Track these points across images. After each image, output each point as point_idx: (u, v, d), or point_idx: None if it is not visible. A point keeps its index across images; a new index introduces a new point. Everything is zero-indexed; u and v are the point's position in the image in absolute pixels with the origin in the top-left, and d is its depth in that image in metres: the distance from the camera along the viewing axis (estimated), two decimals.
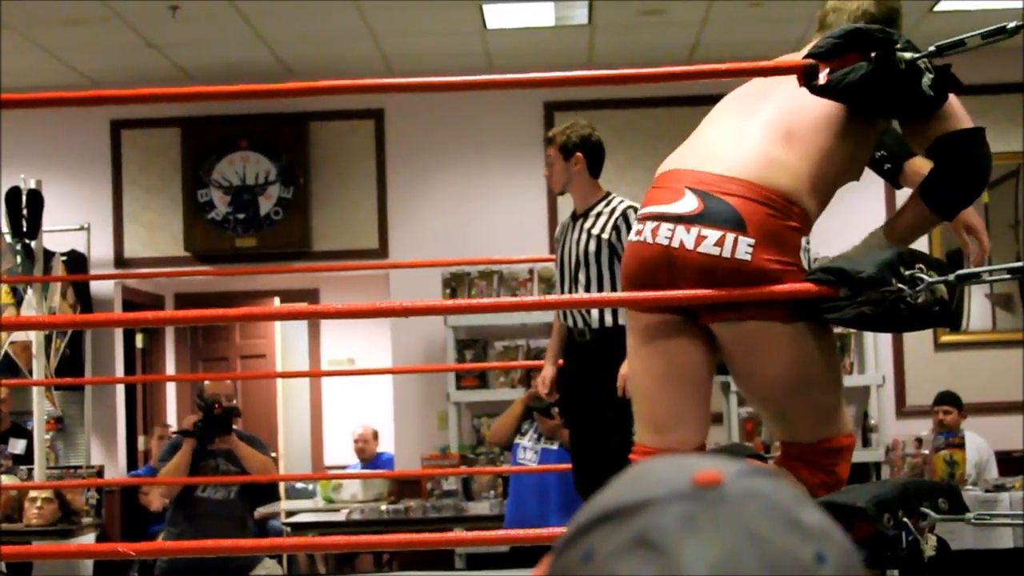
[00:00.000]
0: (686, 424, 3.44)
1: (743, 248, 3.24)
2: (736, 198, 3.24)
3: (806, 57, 3.25)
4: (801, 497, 1.00)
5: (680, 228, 3.27)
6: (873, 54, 3.16)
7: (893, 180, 3.90)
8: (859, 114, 3.35)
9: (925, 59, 3.18)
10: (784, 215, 3.26)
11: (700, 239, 3.25)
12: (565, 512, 7.21)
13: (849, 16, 3.50)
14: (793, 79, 3.26)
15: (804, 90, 3.27)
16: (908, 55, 3.16)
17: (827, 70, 3.21)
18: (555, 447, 7.56)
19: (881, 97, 3.24)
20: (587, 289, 5.71)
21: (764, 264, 3.25)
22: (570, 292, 5.81)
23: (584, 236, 5.90)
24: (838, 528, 0.99)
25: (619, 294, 3.43)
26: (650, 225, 3.34)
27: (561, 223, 6.22)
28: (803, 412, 3.49)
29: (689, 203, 3.26)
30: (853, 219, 9.88)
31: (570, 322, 5.87)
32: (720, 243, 3.24)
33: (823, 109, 3.34)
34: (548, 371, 6.36)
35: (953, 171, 3.41)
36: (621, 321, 5.34)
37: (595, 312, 5.71)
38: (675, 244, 3.27)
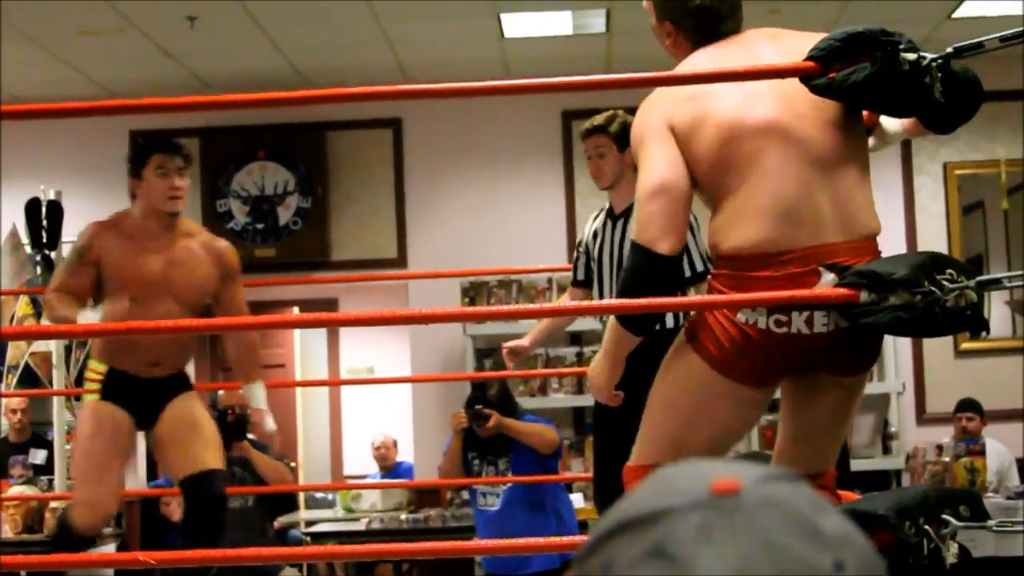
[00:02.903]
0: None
1: None
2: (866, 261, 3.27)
3: (807, 59, 3.25)
4: (821, 503, 0.99)
5: (834, 312, 3.24)
6: (877, 54, 3.16)
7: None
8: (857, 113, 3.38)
9: (933, 61, 3.17)
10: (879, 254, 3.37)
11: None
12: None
13: None
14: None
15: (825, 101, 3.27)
16: (912, 56, 3.15)
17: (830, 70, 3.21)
18: (515, 486, 7.13)
19: (886, 97, 3.23)
20: None
21: None
22: (610, 294, 5.68)
23: (628, 240, 5.79)
24: (859, 534, 0.98)
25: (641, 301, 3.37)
26: (800, 315, 3.25)
27: (593, 223, 6.03)
28: (840, 440, 3.55)
29: (829, 282, 3.22)
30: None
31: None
32: None
33: (848, 122, 3.34)
34: (523, 342, 6.18)
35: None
36: (669, 324, 5.26)
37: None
38: (832, 327, 3.25)
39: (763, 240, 3.25)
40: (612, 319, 3.47)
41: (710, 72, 3.30)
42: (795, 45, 3.38)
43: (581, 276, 5.98)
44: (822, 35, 3.35)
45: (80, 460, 6.00)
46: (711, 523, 0.96)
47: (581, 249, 6.01)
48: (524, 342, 6.20)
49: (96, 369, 6.19)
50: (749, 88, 3.32)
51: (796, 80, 3.27)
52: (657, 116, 3.36)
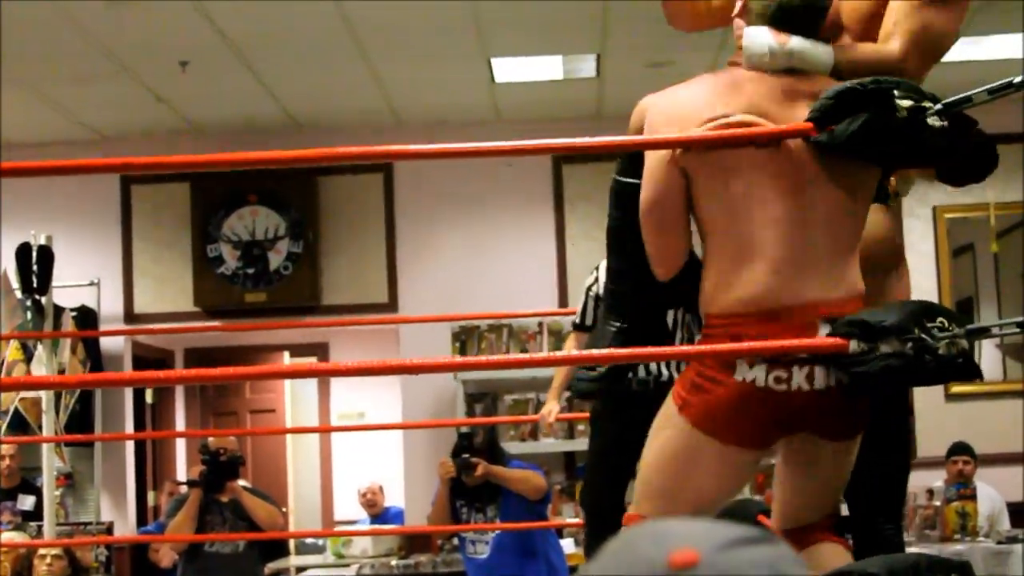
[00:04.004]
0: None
1: None
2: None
3: (808, 121, 3.24)
4: (784, 567, 0.98)
5: (834, 367, 3.21)
6: (871, 106, 3.16)
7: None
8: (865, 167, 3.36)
9: (930, 105, 3.17)
10: None
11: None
12: None
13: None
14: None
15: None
16: (907, 103, 3.15)
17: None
18: (504, 532, 7.11)
19: (886, 145, 3.23)
20: None
21: None
22: None
23: None
24: None
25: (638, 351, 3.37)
26: (801, 371, 3.22)
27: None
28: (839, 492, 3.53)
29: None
30: None
31: (640, 372, 5.50)
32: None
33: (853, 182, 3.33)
34: (554, 406, 6.46)
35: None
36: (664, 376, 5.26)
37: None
38: (832, 383, 3.22)
39: (761, 295, 3.22)
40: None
41: (703, 137, 3.25)
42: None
43: (589, 321, 5.96)
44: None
45: None
46: None
47: (591, 293, 5.99)
48: (555, 407, 6.39)
49: None
50: (768, 158, 3.26)
51: (804, 146, 3.25)
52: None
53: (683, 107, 3.35)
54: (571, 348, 6.32)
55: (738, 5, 3.40)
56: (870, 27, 3.52)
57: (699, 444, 3.28)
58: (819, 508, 3.48)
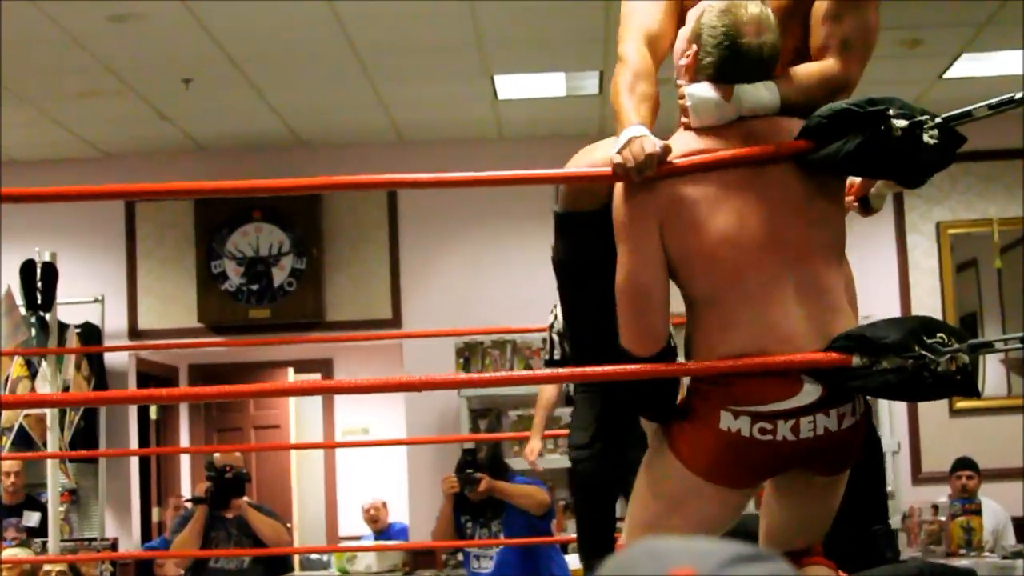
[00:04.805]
0: None
1: (861, 404, 3.28)
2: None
3: (800, 136, 3.24)
4: None
5: (819, 416, 3.21)
6: (867, 127, 3.16)
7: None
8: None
9: (927, 122, 3.17)
10: None
11: (840, 417, 3.23)
12: None
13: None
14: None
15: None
16: (903, 123, 3.16)
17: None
18: (508, 547, 7.13)
19: (881, 163, 3.23)
20: None
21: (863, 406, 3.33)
22: None
23: None
24: None
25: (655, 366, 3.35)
26: (786, 423, 3.20)
27: None
28: (829, 519, 3.52)
29: (813, 391, 3.19)
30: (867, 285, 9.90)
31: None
32: (853, 411, 3.25)
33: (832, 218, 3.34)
34: (536, 444, 6.64)
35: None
36: None
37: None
38: (820, 432, 3.21)
39: (747, 353, 3.19)
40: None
41: (697, 162, 3.22)
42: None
43: (558, 356, 6.19)
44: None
45: None
46: None
47: (554, 330, 6.18)
48: (537, 444, 6.59)
49: None
50: (745, 201, 3.22)
51: (781, 181, 3.24)
52: (644, 204, 3.24)
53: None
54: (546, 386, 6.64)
55: (684, 62, 3.34)
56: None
57: (685, 481, 3.27)
58: (809, 536, 3.49)
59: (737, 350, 3.19)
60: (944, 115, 3.17)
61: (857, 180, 3.75)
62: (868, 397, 3.30)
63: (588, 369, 3.30)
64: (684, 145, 3.28)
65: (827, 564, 3.51)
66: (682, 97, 3.31)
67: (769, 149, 3.22)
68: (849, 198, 3.82)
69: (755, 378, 3.18)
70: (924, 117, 3.17)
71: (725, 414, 3.19)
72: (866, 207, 3.83)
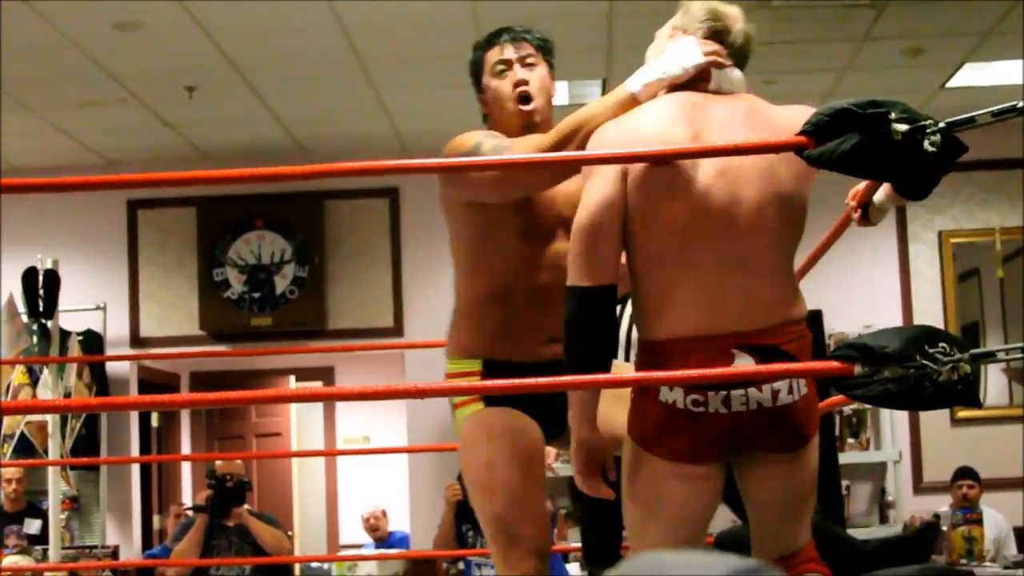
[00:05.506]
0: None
1: (803, 383, 3.31)
2: (783, 343, 3.29)
3: (800, 133, 3.25)
4: None
5: (752, 390, 3.25)
6: (866, 128, 3.17)
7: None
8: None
9: (928, 127, 3.17)
10: (804, 335, 3.37)
11: (775, 393, 3.27)
12: None
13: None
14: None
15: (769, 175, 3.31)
16: (903, 127, 3.16)
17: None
18: None
19: (877, 165, 3.24)
20: None
21: (811, 388, 3.34)
22: None
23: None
24: None
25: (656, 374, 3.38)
26: (716, 395, 3.26)
27: None
28: (806, 515, 3.52)
29: (745, 364, 3.24)
30: (870, 294, 9.91)
31: None
32: (791, 390, 3.29)
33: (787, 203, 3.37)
34: (551, 448, 6.58)
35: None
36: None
37: None
38: (753, 407, 3.26)
39: (679, 332, 3.28)
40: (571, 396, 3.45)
41: (690, 149, 3.27)
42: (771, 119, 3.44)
43: None
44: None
45: (490, 508, 4.09)
46: None
47: None
48: (551, 449, 6.59)
49: (464, 370, 4.44)
50: (702, 182, 3.30)
51: (745, 171, 3.29)
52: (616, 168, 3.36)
53: (633, 134, 3.36)
54: None
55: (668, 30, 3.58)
56: None
57: (645, 461, 3.35)
58: (790, 533, 3.49)
59: (677, 318, 3.28)
60: (947, 120, 3.18)
61: (861, 186, 3.78)
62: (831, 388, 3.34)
63: (588, 377, 3.31)
64: (672, 111, 3.41)
65: (819, 568, 3.51)
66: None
67: (770, 143, 3.26)
68: (852, 203, 3.85)
69: (688, 355, 3.26)
70: (926, 122, 3.18)
71: (663, 386, 3.27)
72: (865, 217, 3.85)
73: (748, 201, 3.30)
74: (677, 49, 3.48)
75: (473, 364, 4.19)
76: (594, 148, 3.39)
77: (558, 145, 3.51)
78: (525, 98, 3.98)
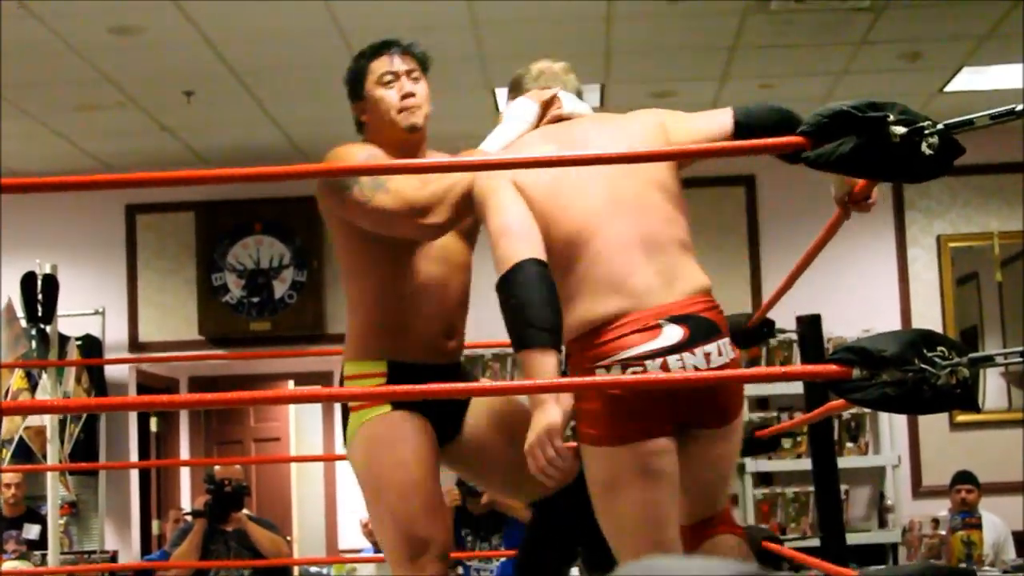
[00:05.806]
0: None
1: (729, 347, 3.47)
2: (702, 311, 3.46)
3: (799, 134, 3.27)
4: None
5: (686, 355, 3.38)
6: (864, 130, 3.18)
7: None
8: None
9: (927, 129, 3.17)
10: (717, 305, 3.54)
11: (707, 356, 3.41)
12: None
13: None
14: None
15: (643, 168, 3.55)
16: (901, 129, 3.16)
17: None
18: (509, 561, 6.93)
19: (875, 166, 3.25)
20: None
21: (737, 355, 3.52)
22: None
23: None
24: None
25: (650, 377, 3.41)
26: (654, 363, 3.37)
27: None
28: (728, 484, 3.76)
29: (675, 332, 3.38)
30: (870, 294, 9.91)
31: None
32: (720, 352, 3.44)
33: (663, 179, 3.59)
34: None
35: None
36: None
37: None
38: (689, 371, 3.37)
39: (602, 314, 3.42)
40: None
41: (687, 149, 3.35)
42: (622, 127, 3.74)
43: None
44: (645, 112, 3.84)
45: (402, 510, 4.09)
46: None
47: None
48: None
49: (368, 372, 4.19)
50: (580, 173, 3.53)
51: (619, 167, 3.53)
52: (498, 174, 3.62)
53: (516, 154, 3.77)
54: None
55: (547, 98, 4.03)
56: None
57: (607, 459, 3.47)
58: (711, 500, 3.68)
59: (600, 307, 3.44)
60: (946, 122, 3.18)
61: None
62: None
63: (591, 378, 3.36)
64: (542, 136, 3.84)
65: (734, 531, 3.64)
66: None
67: (767, 143, 3.33)
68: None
69: (617, 332, 3.41)
70: (925, 124, 3.18)
71: (600, 371, 3.41)
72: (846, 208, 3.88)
73: (634, 187, 3.53)
74: (514, 107, 3.99)
75: (377, 365, 4.11)
76: (481, 176, 3.72)
77: (430, 203, 3.92)
78: (411, 110, 4.43)
